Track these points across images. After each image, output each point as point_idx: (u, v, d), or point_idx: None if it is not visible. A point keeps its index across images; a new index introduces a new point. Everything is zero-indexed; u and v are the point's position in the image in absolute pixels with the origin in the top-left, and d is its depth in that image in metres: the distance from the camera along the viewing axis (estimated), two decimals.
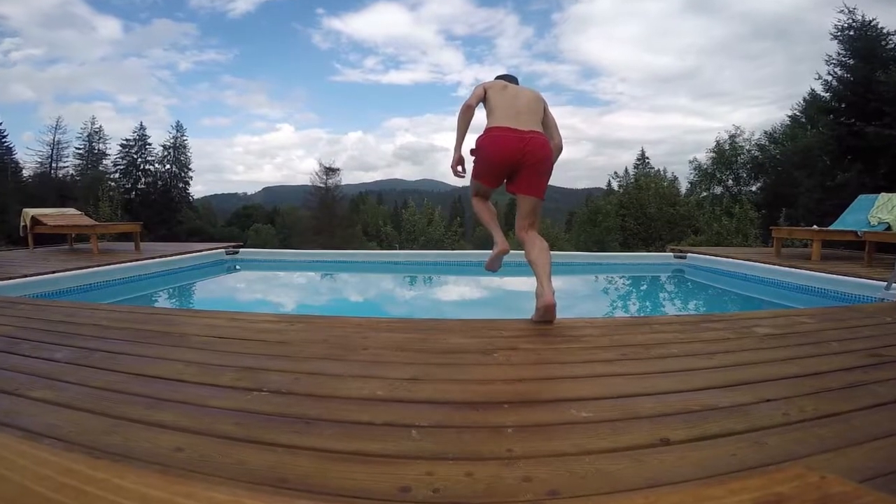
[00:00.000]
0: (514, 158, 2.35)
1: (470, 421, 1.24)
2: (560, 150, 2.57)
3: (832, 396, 1.38)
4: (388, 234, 12.89)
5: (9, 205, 20.43)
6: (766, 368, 1.65)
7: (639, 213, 12.56)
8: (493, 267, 2.64)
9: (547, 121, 2.52)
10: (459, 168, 2.54)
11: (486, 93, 2.48)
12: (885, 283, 3.32)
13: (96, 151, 33.50)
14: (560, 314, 2.26)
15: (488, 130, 2.41)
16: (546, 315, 2.25)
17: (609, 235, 12.60)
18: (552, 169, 2.48)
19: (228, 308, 2.77)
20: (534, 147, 2.34)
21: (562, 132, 2.57)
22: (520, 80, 2.71)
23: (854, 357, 1.76)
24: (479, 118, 2.55)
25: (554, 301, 2.21)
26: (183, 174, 36.33)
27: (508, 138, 2.34)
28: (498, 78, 2.69)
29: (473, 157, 2.48)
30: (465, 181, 2.66)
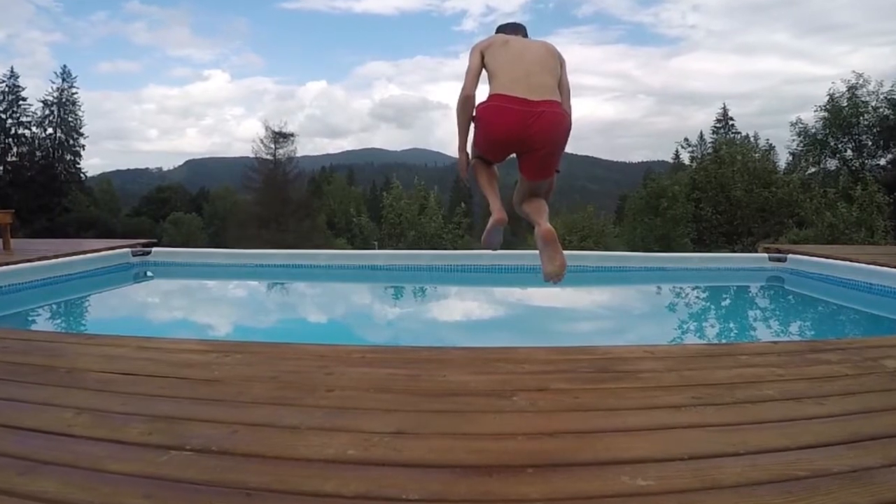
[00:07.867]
0: (520, 137, 2.47)
1: (479, 492, 1.25)
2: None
3: None
4: (364, 226, 12.92)
5: None
6: None
7: (719, 198, 12.59)
8: (491, 242, 2.82)
9: (560, 84, 2.61)
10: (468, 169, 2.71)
11: (483, 56, 2.57)
12: None
13: None
14: (608, 340, 2.28)
15: (491, 98, 2.52)
16: (548, 250, 2.42)
17: (677, 228, 12.62)
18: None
19: (136, 332, 2.77)
20: (545, 124, 2.44)
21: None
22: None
23: None
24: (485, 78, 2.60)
25: (551, 228, 2.46)
26: (72, 142, 36.38)
27: (513, 112, 2.43)
28: (500, 30, 2.76)
29: (474, 125, 2.61)
30: None
